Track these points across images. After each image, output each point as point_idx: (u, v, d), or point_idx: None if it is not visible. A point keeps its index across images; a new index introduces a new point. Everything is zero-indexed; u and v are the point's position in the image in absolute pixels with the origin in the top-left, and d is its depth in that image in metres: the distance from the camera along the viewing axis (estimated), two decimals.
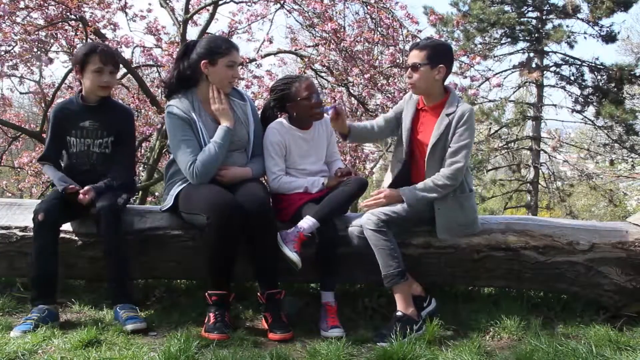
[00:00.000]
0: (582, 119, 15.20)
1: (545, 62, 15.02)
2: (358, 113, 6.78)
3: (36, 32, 5.55)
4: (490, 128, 15.18)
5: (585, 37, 14.35)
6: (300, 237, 2.60)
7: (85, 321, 2.58)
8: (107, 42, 5.50)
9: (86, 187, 2.64)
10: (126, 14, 6.50)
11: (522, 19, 14.67)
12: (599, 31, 14.18)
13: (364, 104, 6.46)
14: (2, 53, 5.59)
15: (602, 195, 15.72)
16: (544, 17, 14.72)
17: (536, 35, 14.60)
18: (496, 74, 13.96)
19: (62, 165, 2.86)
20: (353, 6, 6.56)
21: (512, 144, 15.74)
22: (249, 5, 6.56)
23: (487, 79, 11.27)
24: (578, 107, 14.76)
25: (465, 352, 2.28)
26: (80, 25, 5.76)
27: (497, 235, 2.82)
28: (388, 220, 2.59)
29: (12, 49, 5.64)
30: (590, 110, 14.73)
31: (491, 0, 14.44)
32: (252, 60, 6.57)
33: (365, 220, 2.61)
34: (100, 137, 2.80)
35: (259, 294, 2.61)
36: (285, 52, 7.10)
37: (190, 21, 6.58)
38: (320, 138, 2.96)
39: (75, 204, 2.64)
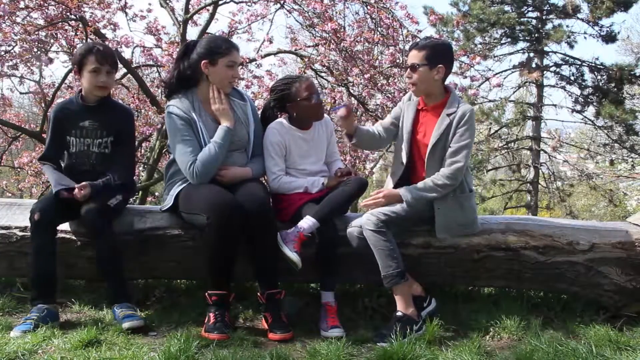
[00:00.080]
0: (582, 119, 15.21)
1: (545, 62, 15.02)
2: (358, 113, 6.78)
3: (36, 32, 5.55)
4: (490, 128, 15.17)
5: (585, 37, 14.37)
6: (300, 237, 2.60)
7: (85, 321, 2.59)
8: (107, 42, 5.50)
9: (83, 183, 2.64)
10: (126, 14, 6.51)
11: (522, 19, 14.67)
12: (599, 31, 14.19)
13: (364, 104, 6.46)
14: (2, 53, 5.60)
15: (602, 195, 15.72)
16: (544, 17, 14.71)
17: (536, 35, 14.60)
18: (496, 74, 13.97)
19: (63, 165, 2.86)
20: (353, 6, 6.57)
21: (512, 144, 15.74)
22: (249, 5, 6.56)
23: (487, 79, 11.26)
24: (578, 107, 14.77)
25: (465, 352, 2.28)
26: (80, 25, 5.76)
27: (497, 235, 2.82)
28: (387, 221, 2.59)
29: (12, 49, 5.64)
30: (590, 110, 14.75)
31: (491, 0, 14.44)
32: (252, 60, 6.57)
33: (364, 221, 2.61)
34: (99, 137, 2.80)
35: (259, 294, 2.61)
36: (285, 52, 7.10)
37: (190, 21, 6.58)
38: (320, 138, 2.96)
39: (72, 204, 2.64)
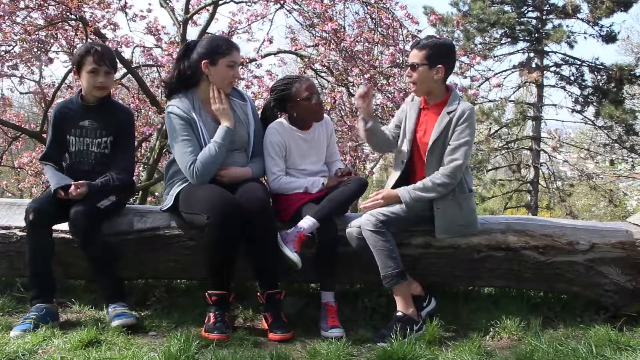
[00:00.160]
0: (582, 119, 15.21)
1: (545, 62, 15.01)
2: (358, 113, 6.77)
3: (36, 32, 5.54)
4: (490, 128, 15.17)
5: (585, 37, 14.38)
6: (300, 237, 2.60)
7: (85, 321, 2.59)
8: (107, 42, 5.50)
9: (80, 182, 2.63)
10: (126, 14, 6.50)
11: (522, 19, 14.67)
12: (599, 31, 14.20)
13: None
14: (2, 53, 5.59)
15: (602, 195, 15.71)
16: (544, 17, 14.72)
17: (536, 35, 14.60)
18: (496, 74, 13.96)
19: (64, 165, 2.86)
20: (353, 6, 6.57)
21: (512, 144, 15.74)
22: (249, 5, 6.55)
23: (487, 79, 11.26)
24: (578, 107, 14.77)
25: (465, 352, 2.28)
26: (80, 25, 5.75)
27: (497, 235, 2.82)
28: (386, 221, 2.59)
29: (12, 49, 5.63)
30: (590, 110, 14.75)
31: (491, 0, 14.44)
32: (252, 60, 6.56)
33: (363, 221, 2.61)
34: (99, 136, 2.80)
35: (259, 294, 2.61)
36: (285, 52, 7.09)
37: (190, 21, 6.57)
38: (320, 138, 2.96)
39: (70, 204, 2.63)
